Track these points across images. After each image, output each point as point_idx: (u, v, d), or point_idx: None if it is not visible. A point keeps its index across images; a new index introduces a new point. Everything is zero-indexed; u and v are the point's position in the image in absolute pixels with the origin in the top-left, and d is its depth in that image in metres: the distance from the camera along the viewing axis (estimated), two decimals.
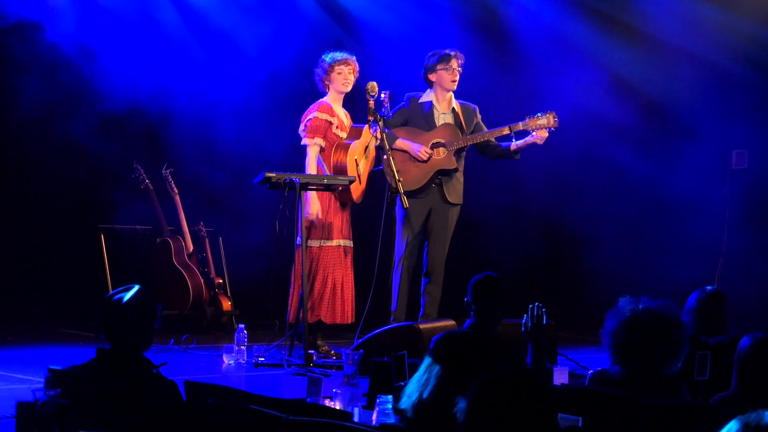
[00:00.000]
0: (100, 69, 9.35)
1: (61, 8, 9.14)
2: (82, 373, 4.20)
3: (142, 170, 9.40)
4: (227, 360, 7.47)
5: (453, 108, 8.02)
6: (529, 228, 10.61)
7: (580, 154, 10.26)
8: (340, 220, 7.85)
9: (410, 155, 7.87)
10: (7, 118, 9.44)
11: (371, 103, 7.49)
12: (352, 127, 7.95)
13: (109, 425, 3.97)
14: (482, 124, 8.08)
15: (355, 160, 7.83)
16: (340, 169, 7.72)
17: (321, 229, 7.79)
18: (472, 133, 7.99)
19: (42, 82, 9.13)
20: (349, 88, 7.92)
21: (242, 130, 9.72)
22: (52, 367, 4.14)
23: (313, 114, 7.83)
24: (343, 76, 7.86)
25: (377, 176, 8.03)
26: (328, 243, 7.81)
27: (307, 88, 8.31)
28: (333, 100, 7.92)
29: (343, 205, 7.87)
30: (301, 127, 7.87)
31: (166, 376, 4.26)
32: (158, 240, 9.46)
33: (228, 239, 9.78)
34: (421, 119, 8.00)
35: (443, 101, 7.99)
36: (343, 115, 7.96)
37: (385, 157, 7.60)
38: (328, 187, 7.61)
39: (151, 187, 9.41)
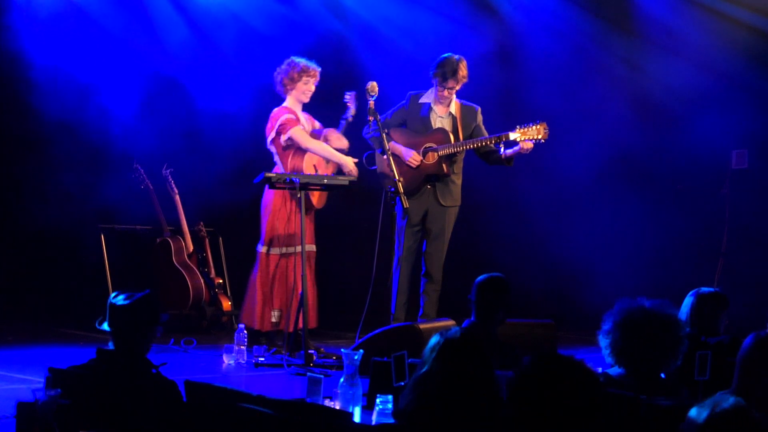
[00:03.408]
0: (101, 69, 9.37)
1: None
2: (82, 373, 4.20)
3: (142, 170, 9.40)
4: (227, 360, 7.47)
5: (450, 112, 7.99)
6: (529, 227, 10.61)
7: (579, 153, 10.25)
8: (300, 226, 7.83)
9: (401, 159, 7.87)
10: (7, 117, 9.44)
11: (371, 103, 7.49)
12: (311, 133, 7.96)
13: (109, 425, 3.97)
14: (482, 126, 8.06)
15: (314, 165, 7.85)
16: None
17: (284, 236, 7.80)
18: (470, 135, 7.98)
19: (43, 81, 9.14)
20: (308, 99, 7.97)
21: (242, 130, 9.72)
22: (52, 367, 4.14)
23: (284, 117, 7.84)
24: (308, 86, 7.93)
25: (373, 177, 8.02)
26: (291, 249, 7.83)
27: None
28: (293, 106, 7.94)
29: (305, 211, 7.86)
30: (272, 133, 7.84)
31: (166, 376, 4.26)
32: (158, 240, 9.47)
33: (228, 239, 9.78)
34: (418, 121, 7.99)
35: (443, 103, 7.98)
36: (304, 120, 7.98)
37: (384, 157, 7.60)
38: (328, 188, 7.62)
39: (151, 187, 9.42)
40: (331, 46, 9.92)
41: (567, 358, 2.83)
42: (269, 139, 7.91)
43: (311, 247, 7.94)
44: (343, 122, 7.93)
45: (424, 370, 3.50)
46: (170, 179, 9.39)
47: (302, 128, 7.86)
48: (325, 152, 7.86)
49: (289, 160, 7.84)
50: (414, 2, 10.17)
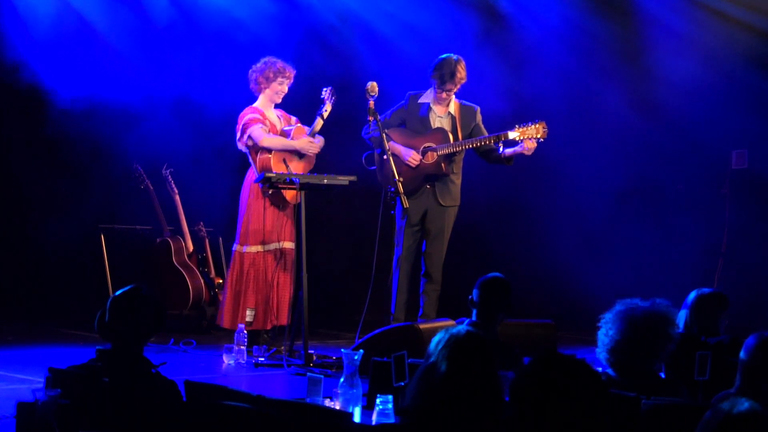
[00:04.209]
0: (101, 69, 9.38)
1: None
2: (82, 373, 4.20)
3: (142, 170, 9.41)
4: (227, 360, 7.47)
5: (450, 112, 7.99)
6: (529, 228, 10.61)
7: (580, 153, 10.25)
8: (274, 223, 7.84)
9: (401, 159, 7.87)
10: (6, 117, 9.44)
11: (371, 103, 7.49)
12: (283, 131, 7.97)
13: (108, 425, 3.97)
14: (482, 126, 8.06)
15: (284, 160, 7.84)
16: (266, 171, 7.73)
17: (258, 234, 7.80)
18: (469, 135, 7.98)
19: (43, 82, 9.14)
20: (280, 100, 8.02)
21: None
22: (52, 367, 4.14)
23: (248, 116, 7.88)
24: (283, 87, 7.97)
25: (372, 177, 8.03)
26: (267, 247, 7.83)
27: (307, 85, 8.30)
28: (264, 105, 7.96)
29: (279, 208, 7.85)
30: (238, 133, 7.88)
31: (166, 376, 4.26)
32: (158, 240, 9.47)
33: (228, 239, 9.77)
34: (418, 121, 7.99)
35: (442, 103, 7.97)
36: (275, 119, 7.99)
37: (384, 157, 7.59)
38: (328, 187, 7.62)
39: (151, 187, 9.42)
40: (331, 46, 9.92)
41: (569, 358, 2.82)
42: (237, 139, 7.94)
43: (290, 245, 7.92)
44: (317, 118, 7.92)
45: (428, 366, 3.50)
46: (170, 179, 9.39)
47: (262, 127, 7.85)
48: (283, 145, 7.87)
49: (257, 157, 7.85)
50: (415, 2, 10.17)
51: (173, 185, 9.40)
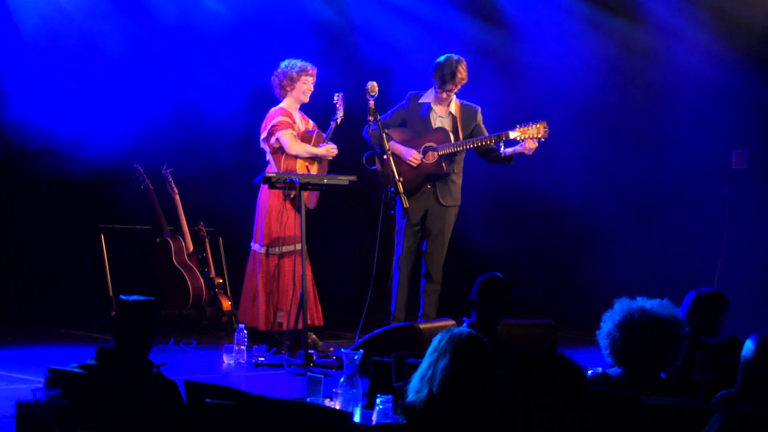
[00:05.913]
0: (101, 69, 9.38)
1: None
2: (82, 373, 4.20)
3: (142, 170, 9.40)
4: (227, 360, 7.48)
5: (450, 112, 7.99)
6: (529, 228, 10.61)
7: (580, 154, 10.25)
8: (294, 227, 7.85)
9: (402, 159, 7.87)
10: (6, 117, 9.43)
11: (371, 103, 7.50)
12: (303, 134, 7.98)
13: (109, 425, 3.97)
14: (482, 126, 8.06)
15: (306, 167, 7.88)
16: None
17: (281, 236, 7.81)
18: (470, 135, 7.98)
19: (43, 80, 9.14)
20: (308, 99, 8.03)
21: (241, 130, 9.72)
22: (52, 367, 4.14)
23: (277, 119, 7.87)
24: (308, 86, 7.98)
25: (373, 177, 8.03)
26: (288, 248, 7.85)
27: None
28: (290, 107, 7.97)
29: (299, 212, 7.87)
30: (264, 133, 7.90)
31: (166, 376, 4.27)
32: (158, 240, 9.47)
33: (228, 239, 9.78)
34: (418, 121, 7.99)
35: (442, 103, 7.97)
36: (299, 121, 8.00)
37: (385, 157, 7.59)
38: (328, 187, 7.63)
39: (151, 187, 9.42)
40: (331, 46, 9.92)
41: (549, 357, 2.80)
42: (261, 138, 7.96)
43: (298, 247, 7.93)
44: (332, 123, 7.94)
45: (429, 364, 3.50)
46: (170, 179, 9.39)
47: (293, 132, 7.88)
48: (308, 153, 7.93)
49: (282, 160, 7.88)
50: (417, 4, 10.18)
51: (173, 185, 9.40)
